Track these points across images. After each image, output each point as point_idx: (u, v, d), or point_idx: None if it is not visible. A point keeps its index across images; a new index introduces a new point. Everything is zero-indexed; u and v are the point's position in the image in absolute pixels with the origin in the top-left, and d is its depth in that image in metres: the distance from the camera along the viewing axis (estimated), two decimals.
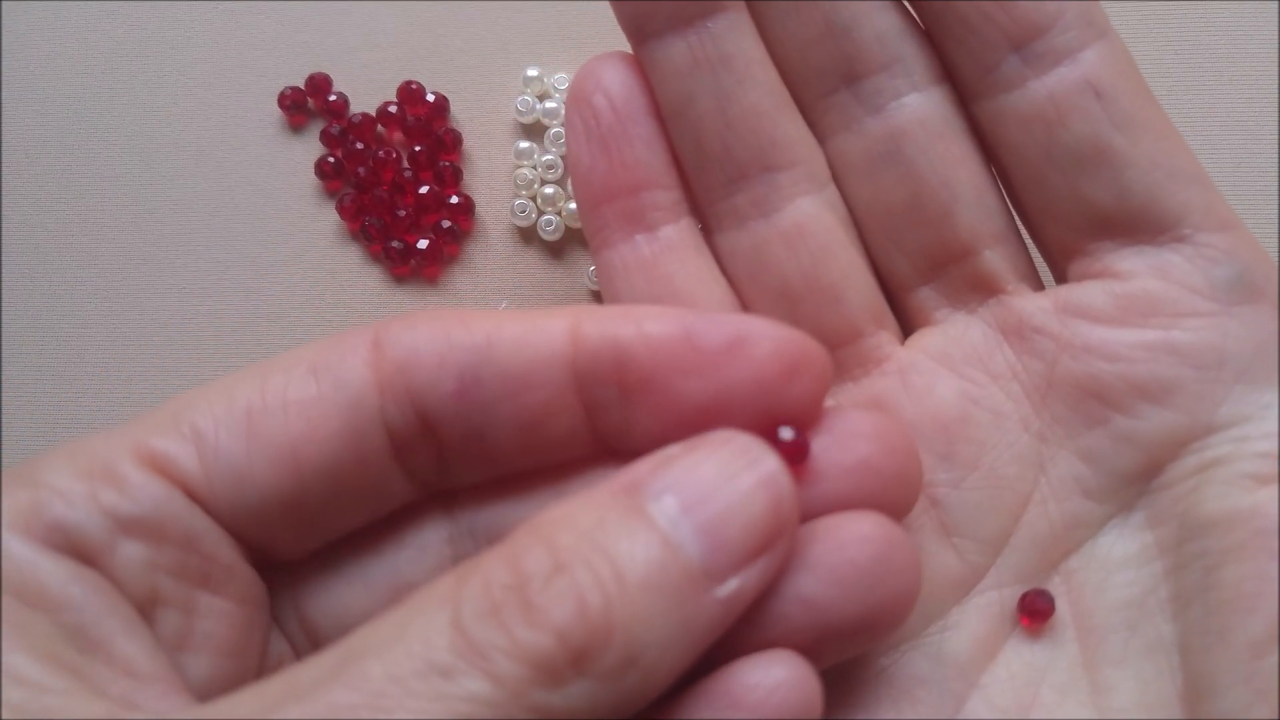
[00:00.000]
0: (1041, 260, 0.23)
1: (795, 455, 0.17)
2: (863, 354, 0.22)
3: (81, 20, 0.31)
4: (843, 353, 0.22)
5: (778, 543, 0.16)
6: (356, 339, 0.18)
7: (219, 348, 0.29)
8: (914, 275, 0.22)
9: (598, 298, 0.29)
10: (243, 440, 0.17)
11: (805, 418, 0.18)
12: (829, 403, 0.21)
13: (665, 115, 0.22)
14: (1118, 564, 0.20)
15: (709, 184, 0.22)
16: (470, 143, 0.30)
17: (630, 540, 0.15)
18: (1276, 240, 0.28)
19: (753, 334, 0.17)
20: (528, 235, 0.29)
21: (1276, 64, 0.28)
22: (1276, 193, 0.28)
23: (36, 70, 0.31)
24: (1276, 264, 0.21)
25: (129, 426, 0.17)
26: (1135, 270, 0.20)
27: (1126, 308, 0.20)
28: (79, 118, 0.30)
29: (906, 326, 0.23)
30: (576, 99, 0.22)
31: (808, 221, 0.22)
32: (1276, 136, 0.28)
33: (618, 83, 0.22)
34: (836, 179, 0.22)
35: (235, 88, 0.30)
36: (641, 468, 0.16)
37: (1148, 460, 0.20)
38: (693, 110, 0.21)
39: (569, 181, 0.28)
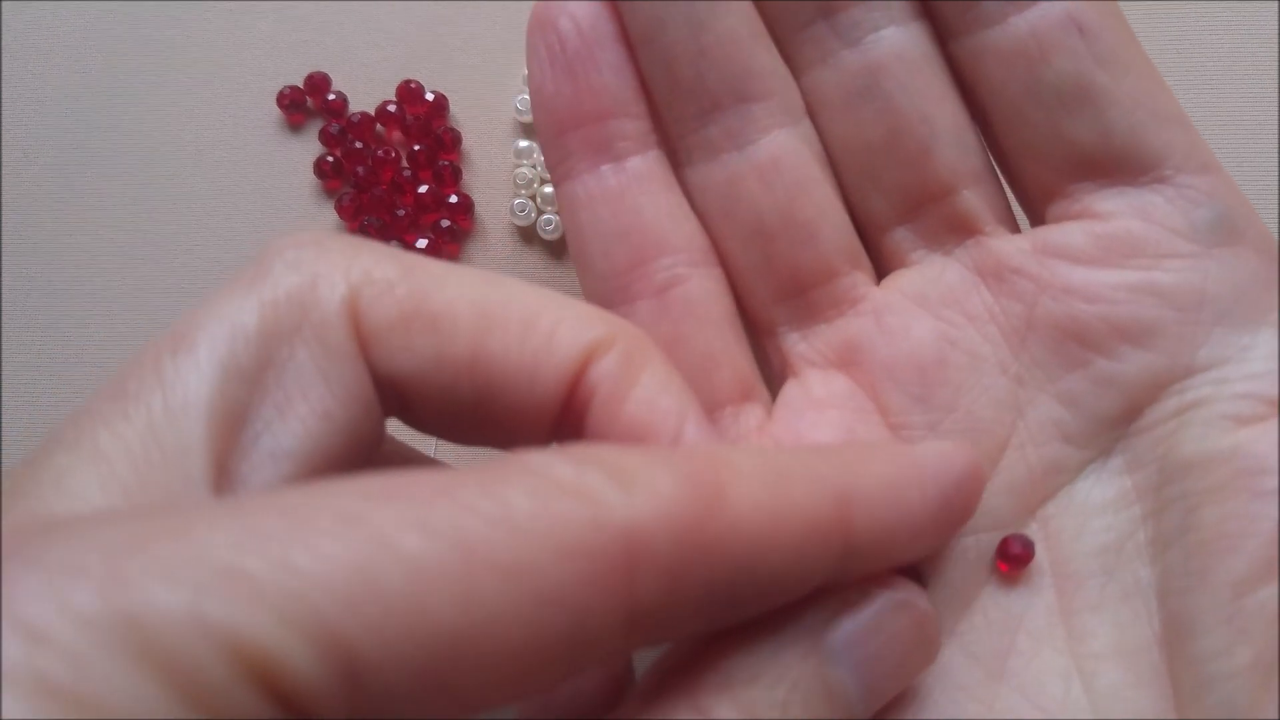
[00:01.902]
0: (1018, 209, 0.22)
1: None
2: (837, 294, 0.22)
3: (81, 20, 0.31)
4: (817, 293, 0.22)
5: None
6: (599, 551, 0.13)
7: None
8: (890, 215, 0.22)
9: None
10: (416, 686, 0.12)
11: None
12: (804, 348, 0.22)
13: (635, 42, 0.21)
14: (1095, 509, 0.20)
15: (680, 115, 0.21)
16: (470, 142, 0.30)
17: (821, 712, 0.16)
18: (1276, 240, 0.28)
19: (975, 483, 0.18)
20: (528, 235, 0.29)
21: (1277, 63, 0.28)
22: (1276, 192, 0.28)
23: (36, 70, 0.31)
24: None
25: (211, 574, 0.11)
26: (1116, 211, 0.20)
27: (1108, 248, 0.20)
28: (79, 118, 0.30)
29: (882, 269, 0.22)
30: (541, 23, 0.21)
31: (784, 155, 0.21)
32: (1277, 135, 0.28)
33: (584, 7, 0.21)
34: (812, 115, 0.22)
35: (235, 87, 0.30)
36: (821, 608, 0.16)
37: (1128, 403, 0.20)
38: (664, 36, 0.21)
39: None
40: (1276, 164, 0.28)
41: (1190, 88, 0.28)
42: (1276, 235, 0.28)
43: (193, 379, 0.15)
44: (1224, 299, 0.20)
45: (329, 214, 0.30)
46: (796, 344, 0.22)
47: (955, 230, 0.21)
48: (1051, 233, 0.21)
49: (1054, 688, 0.19)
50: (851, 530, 0.15)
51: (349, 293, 0.16)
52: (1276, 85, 0.28)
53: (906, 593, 0.17)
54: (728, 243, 0.22)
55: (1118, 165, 0.20)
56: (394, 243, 0.29)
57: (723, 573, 0.14)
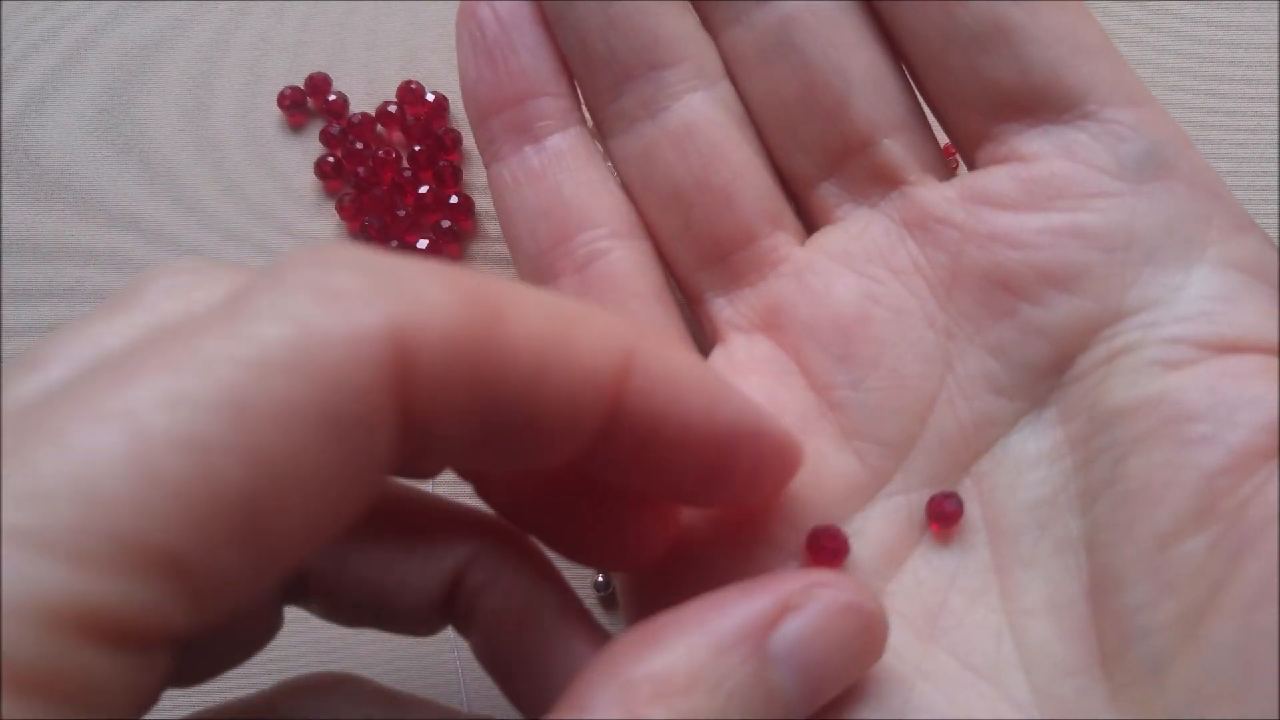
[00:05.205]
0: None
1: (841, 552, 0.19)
2: (759, 257, 0.21)
3: (81, 20, 0.31)
4: (738, 257, 0.22)
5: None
6: (365, 361, 0.12)
7: None
8: (814, 171, 0.22)
9: None
10: (241, 557, 0.12)
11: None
12: (730, 313, 0.22)
13: (550, 20, 0.22)
14: (1029, 463, 0.19)
15: (597, 88, 0.22)
16: (470, 142, 0.30)
17: (759, 714, 0.15)
18: (1276, 240, 0.28)
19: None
20: None
21: (1276, 64, 0.28)
22: (1276, 193, 0.28)
23: (36, 70, 0.31)
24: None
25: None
26: (1041, 152, 0.20)
27: (1033, 192, 0.20)
28: (79, 118, 0.30)
29: (811, 226, 0.22)
30: (465, 14, 0.22)
31: (697, 120, 0.21)
32: (1276, 136, 0.28)
33: None
34: (731, 76, 0.22)
35: (235, 88, 0.30)
36: (764, 610, 0.16)
37: (1058, 352, 0.19)
38: (574, 12, 0.21)
39: None
40: (1276, 165, 0.28)
41: (1190, 88, 0.28)
42: (1276, 238, 0.28)
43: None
44: (1153, 237, 0.19)
45: (330, 215, 0.30)
46: (723, 309, 0.22)
47: (880, 182, 0.21)
48: (978, 178, 0.20)
49: (985, 645, 0.19)
50: (625, 392, 0.15)
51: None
52: (1276, 86, 0.28)
53: (853, 593, 0.17)
54: (650, 212, 0.22)
55: (1040, 103, 0.20)
56: (394, 243, 0.29)
57: (497, 394, 0.14)
